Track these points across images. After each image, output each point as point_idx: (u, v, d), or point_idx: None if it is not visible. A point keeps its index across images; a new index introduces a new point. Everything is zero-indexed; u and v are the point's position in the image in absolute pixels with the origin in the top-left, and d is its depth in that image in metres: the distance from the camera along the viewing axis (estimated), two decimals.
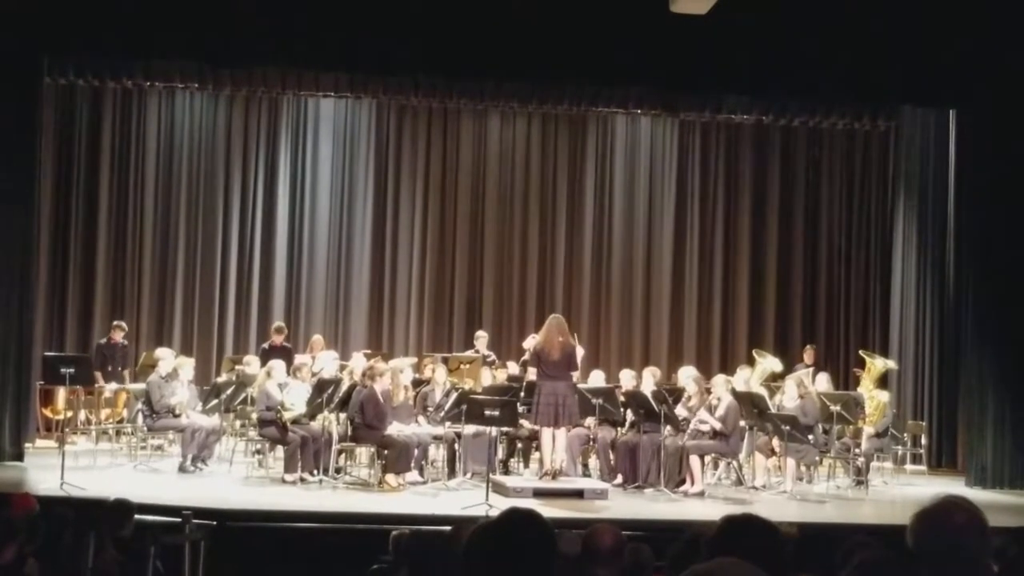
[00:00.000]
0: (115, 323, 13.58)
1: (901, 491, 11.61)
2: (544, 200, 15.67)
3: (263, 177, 15.14)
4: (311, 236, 15.19)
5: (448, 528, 5.70)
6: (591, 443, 11.35)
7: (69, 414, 12.45)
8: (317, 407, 10.55)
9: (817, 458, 11.41)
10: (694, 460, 10.61)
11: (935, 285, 13.87)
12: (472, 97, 13.82)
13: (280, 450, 10.90)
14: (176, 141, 14.90)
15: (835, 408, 11.24)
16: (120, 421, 12.58)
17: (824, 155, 15.76)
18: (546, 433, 10.36)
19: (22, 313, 11.46)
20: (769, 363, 12.92)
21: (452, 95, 13.78)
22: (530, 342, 11.05)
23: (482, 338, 13.61)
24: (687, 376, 11.52)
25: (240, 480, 10.74)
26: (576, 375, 10.81)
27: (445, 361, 12.40)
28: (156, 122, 14.87)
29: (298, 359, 12.03)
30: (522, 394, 10.91)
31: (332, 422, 10.73)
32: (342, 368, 11.88)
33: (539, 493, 9.85)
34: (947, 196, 13.64)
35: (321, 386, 10.53)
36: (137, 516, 6.31)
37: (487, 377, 12.00)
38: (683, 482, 10.66)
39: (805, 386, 11.55)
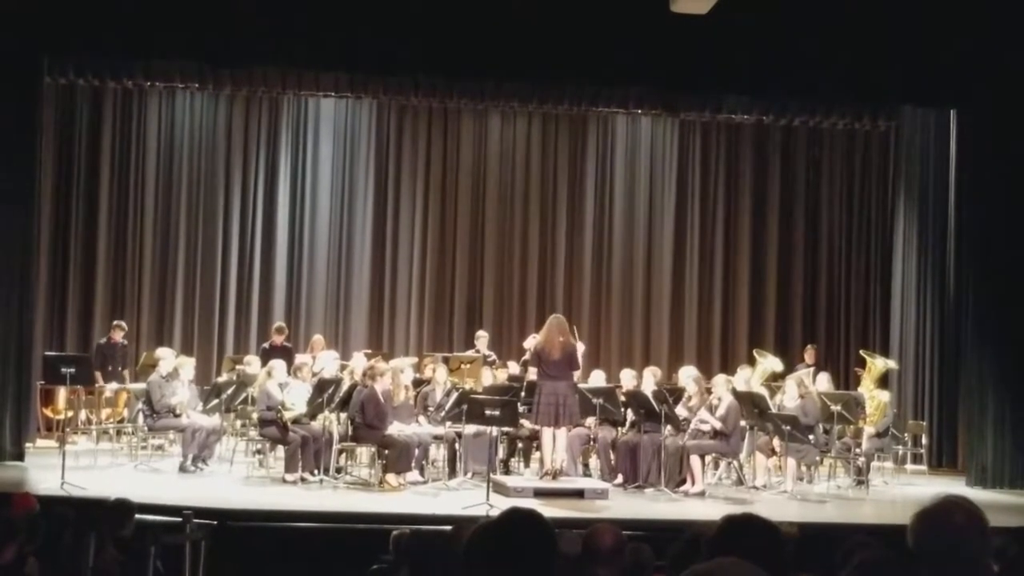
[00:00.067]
0: (115, 323, 13.58)
1: (901, 491, 11.61)
2: (544, 200, 15.67)
3: (263, 177, 15.15)
4: (311, 236, 15.19)
5: (449, 528, 5.71)
6: (592, 443, 11.35)
7: (70, 414, 12.46)
8: (318, 407, 10.56)
9: (818, 458, 11.41)
10: (695, 460, 10.61)
11: (935, 285, 13.87)
12: (472, 97, 13.82)
13: (281, 450, 10.90)
14: (176, 141, 14.90)
15: (835, 408, 11.24)
16: (121, 421, 12.58)
17: (824, 155, 15.77)
18: (547, 433, 10.36)
19: (22, 313, 11.46)
20: (770, 363, 12.92)
21: (452, 95, 13.77)
22: (530, 342, 11.05)
23: (483, 338, 13.61)
24: (687, 376, 11.52)
25: (241, 480, 10.75)
26: (577, 374, 10.81)
27: (446, 361, 12.40)
28: (156, 122, 14.87)
29: (299, 359, 12.03)
30: (523, 394, 10.92)
31: (333, 422, 10.73)
32: (343, 368, 11.88)
33: (540, 493, 9.85)
34: (947, 196, 13.64)
35: (322, 386, 10.53)
36: (137, 516, 6.32)
37: (488, 377, 12.00)
38: (683, 482, 10.66)
39: (805, 386, 11.55)
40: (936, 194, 13.92)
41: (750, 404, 10.99)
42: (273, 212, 15.12)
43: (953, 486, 11.19)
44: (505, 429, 10.65)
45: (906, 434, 12.89)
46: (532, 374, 10.97)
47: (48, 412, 12.86)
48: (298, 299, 15.14)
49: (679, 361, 14.16)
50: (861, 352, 13.70)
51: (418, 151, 15.45)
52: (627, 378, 11.67)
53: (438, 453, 11.33)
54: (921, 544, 2.78)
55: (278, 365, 11.04)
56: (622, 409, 11.19)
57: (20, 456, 11.18)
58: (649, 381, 11.23)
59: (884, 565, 3.64)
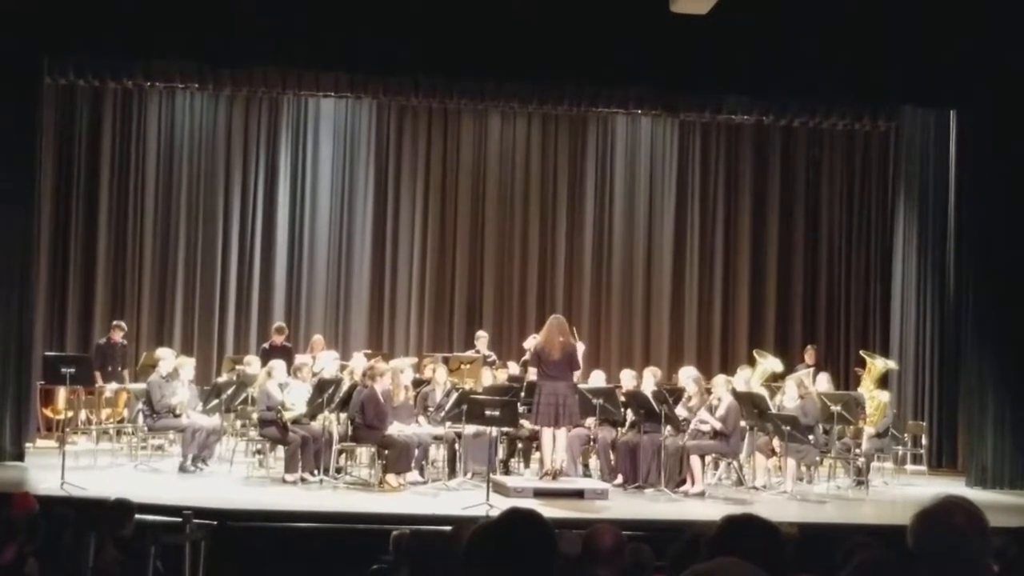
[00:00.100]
0: (114, 323, 13.58)
1: (901, 491, 11.61)
2: (544, 200, 15.68)
3: (263, 177, 15.15)
4: (311, 236, 15.20)
5: (448, 528, 5.70)
6: (591, 443, 11.35)
7: (70, 414, 12.46)
8: (318, 407, 10.56)
9: (817, 458, 11.41)
10: (694, 460, 10.61)
11: (935, 285, 13.87)
12: (472, 97, 13.82)
13: (281, 450, 10.90)
14: (176, 141, 14.91)
15: (835, 408, 11.24)
16: (121, 421, 12.58)
17: (824, 155, 15.77)
18: (546, 433, 10.36)
19: (22, 313, 11.46)
20: (769, 363, 12.92)
21: (452, 95, 13.77)
22: (530, 342, 11.05)
23: (482, 338, 13.62)
24: (687, 376, 11.52)
25: (241, 480, 10.74)
26: (578, 374, 10.81)
27: (445, 361, 12.40)
28: (156, 122, 14.88)
29: (299, 359, 12.03)
30: (522, 394, 10.92)
31: (332, 422, 10.73)
32: (342, 368, 11.88)
33: (539, 493, 9.84)
34: (947, 196, 13.64)
35: (322, 386, 10.53)
36: (137, 516, 6.32)
37: (487, 377, 12.00)
38: (683, 482, 10.66)
39: (805, 386, 11.55)
40: (936, 194, 13.92)
41: (750, 404, 10.99)
42: (273, 212, 15.12)
43: (953, 486, 11.19)
44: (505, 429, 10.65)
45: (906, 434, 12.89)
46: (532, 374, 10.96)
47: (48, 412, 12.86)
48: (298, 299, 15.14)
49: (679, 361, 14.16)
50: (861, 352, 13.70)
51: (418, 151, 15.46)
52: (627, 378, 11.67)
53: (438, 453, 11.32)
54: (921, 544, 2.78)
55: (278, 365, 11.04)
56: (622, 409, 11.19)
57: (20, 456, 11.18)
58: (649, 381, 11.22)
59: (884, 565, 3.64)
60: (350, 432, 10.74)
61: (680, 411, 11.00)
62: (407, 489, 10.29)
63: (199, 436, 10.99)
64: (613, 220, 15.74)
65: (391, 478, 10.28)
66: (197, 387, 11.73)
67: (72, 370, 10.01)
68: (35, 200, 11.75)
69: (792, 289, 15.78)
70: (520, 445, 11.58)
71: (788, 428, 10.46)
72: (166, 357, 11.63)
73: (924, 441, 13.19)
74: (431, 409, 11.20)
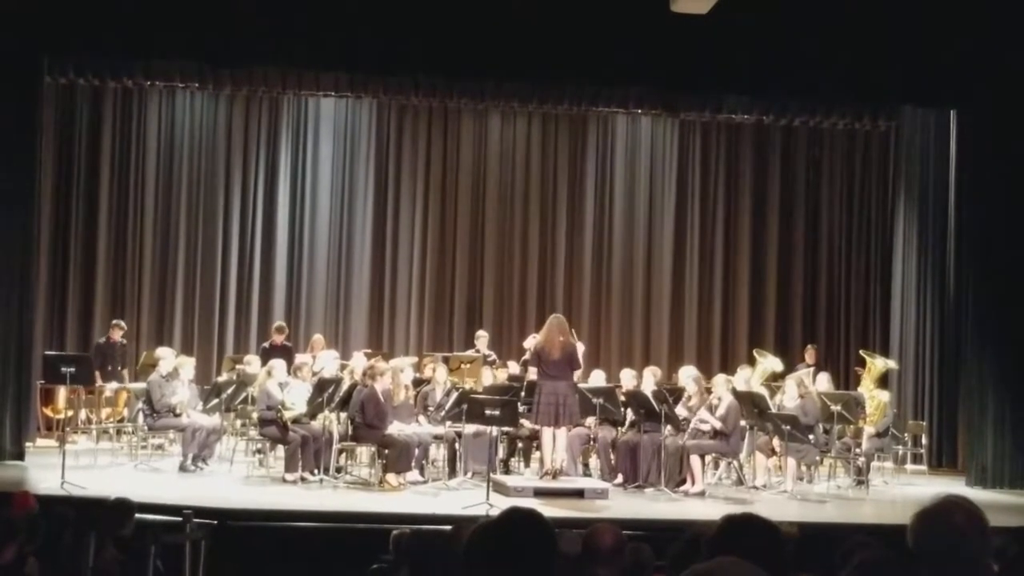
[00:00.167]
0: (114, 322, 13.57)
1: (901, 491, 11.61)
2: (544, 200, 15.68)
3: (263, 177, 15.15)
4: (312, 235, 15.20)
5: (449, 528, 5.71)
6: (591, 443, 11.35)
7: (70, 413, 12.46)
8: (318, 406, 10.55)
9: (817, 458, 11.41)
10: (694, 460, 10.62)
11: (935, 285, 13.87)
12: (472, 97, 13.82)
13: (281, 449, 10.90)
14: (176, 141, 14.91)
15: (835, 408, 11.24)
16: (121, 420, 12.58)
17: (824, 155, 15.77)
18: (546, 433, 10.36)
19: (22, 313, 11.46)
20: (770, 363, 12.92)
21: (452, 95, 13.77)
22: (531, 342, 11.05)
23: (483, 338, 13.62)
24: (687, 376, 11.52)
25: (241, 479, 10.75)
26: (578, 374, 10.82)
27: (446, 360, 12.40)
28: (156, 122, 14.88)
29: (299, 358, 12.03)
30: (522, 394, 10.92)
31: (333, 421, 10.73)
32: (343, 367, 11.88)
33: (540, 493, 9.85)
34: (947, 196, 13.64)
35: (322, 385, 10.53)
36: (138, 515, 6.31)
37: (488, 377, 12.01)
38: (683, 482, 10.66)
39: (805, 386, 11.55)
40: (936, 194, 13.92)
41: (750, 404, 10.99)
42: (273, 212, 15.12)
43: (953, 486, 11.19)
44: (505, 429, 10.65)
45: (906, 434, 12.90)
46: (532, 374, 10.96)
47: (48, 411, 12.86)
48: (298, 299, 15.14)
49: (679, 361, 14.16)
50: (861, 352, 13.70)
51: (418, 151, 15.46)
52: (627, 378, 11.67)
53: (438, 453, 11.33)
54: (921, 544, 2.78)
55: (278, 365, 11.04)
56: (622, 409, 11.19)
57: (20, 455, 11.19)
58: (649, 381, 11.23)
59: (884, 565, 3.64)
60: (350, 431, 10.74)
61: (680, 411, 11.01)
62: (407, 488, 10.29)
63: (199, 435, 10.99)
64: (613, 220, 15.74)
65: (391, 477, 10.28)
66: (197, 386, 11.73)
67: (72, 369, 10.01)
68: (35, 200, 11.74)
69: (792, 289, 15.79)
70: (520, 445, 11.58)
71: (788, 428, 10.46)
72: (166, 356, 11.63)
73: (924, 441, 13.19)
74: (431, 409, 11.21)
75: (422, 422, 11.12)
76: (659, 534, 6.66)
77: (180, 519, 6.14)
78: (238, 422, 12.12)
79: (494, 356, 13.36)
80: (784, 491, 10.76)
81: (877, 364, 12.84)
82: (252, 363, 12.04)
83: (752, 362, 13.02)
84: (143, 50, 12.00)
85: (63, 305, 14.42)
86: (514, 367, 12.70)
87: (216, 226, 14.95)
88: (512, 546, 2.69)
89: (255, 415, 11.13)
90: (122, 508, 6.20)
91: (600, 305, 15.66)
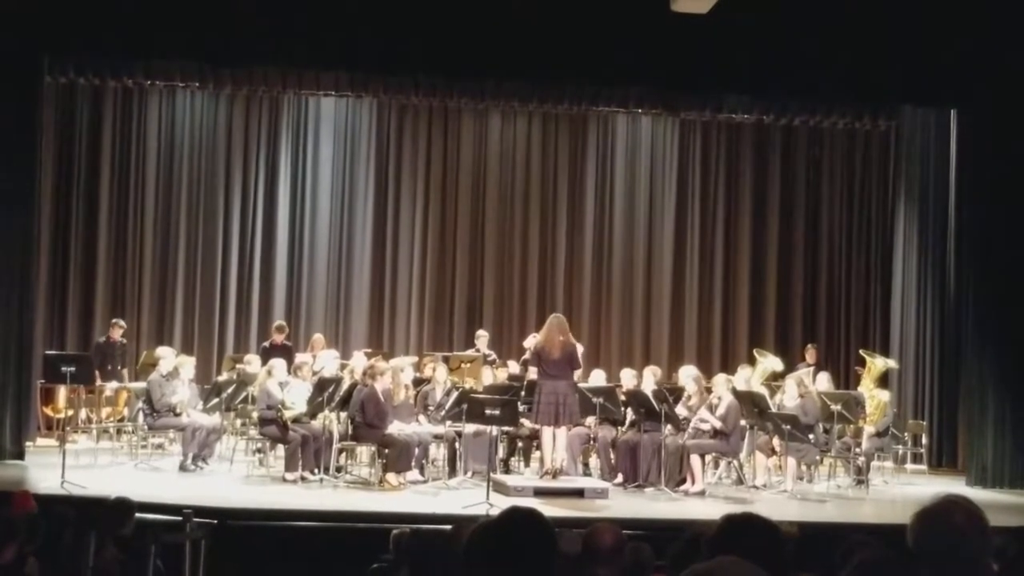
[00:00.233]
0: (113, 320, 13.56)
1: (901, 490, 11.61)
2: (545, 199, 15.68)
3: (264, 176, 15.15)
4: (312, 235, 15.20)
5: (449, 527, 5.71)
6: (592, 442, 11.35)
7: (70, 413, 12.46)
8: (318, 406, 10.55)
9: (818, 457, 11.41)
10: (695, 459, 10.62)
11: (936, 284, 13.87)
12: (473, 96, 13.81)
13: (281, 449, 10.91)
14: (177, 140, 14.91)
15: (836, 407, 11.24)
16: (121, 420, 12.59)
17: (824, 155, 15.77)
18: (547, 432, 10.36)
19: (22, 312, 11.46)
20: (770, 362, 12.93)
21: (453, 94, 13.77)
22: (531, 341, 11.05)
23: (483, 337, 13.62)
24: (687, 375, 11.52)
25: (241, 479, 10.75)
26: (578, 373, 10.82)
27: (446, 360, 12.40)
28: (157, 121, 14.88)
29: (299, 358, 12.04)
30: (523, 393, 10.92)
31: (333, 421, 10.73)
32: (343, 367, 11.88)
33: (540, 492, 9.85)
34: (947, 196, 13.64)
35: (322, 385, 10.53)
36: (138, 515, 6.32)
37: (488, 376, 12.01)
38: (684, 481, 10.66)
39: (805, 385, 11.56)
40: (936, 194, 13.92)
41: (750, 403, 10.99)
42: (273, 211, 15.12)
43: (953, 486, 11.19)
44: (505, 428, 10.66)
45: (906, 434, 12.90)
46: (532, 373, 10.96)
47: (48, 411, 12.86)
48: (298, 298, 15.14)
49: (679, 360, 14.15)
50: (861, 352, 13.70)
51: (418, 150, 15.46)
52: (627, 377, 11.68)
53: (438, 452, 11.32)
54: (921, 544, 2.78)
55: (278, 364, 11.04)
56: (622, 408, 11.19)
57: (20, 455, 11.19)
58: (649, 380, 11.23)
59: (884, 565, 3.64)
60: (350, 431, 10.74)
61: (680, 410, 11.01)
62: (407, 488, 10.29)
63: (199, 435, 10.99)
64: (613, 219, 15.74)
65: (391, 477, 10.29)
66: (197, 386, 11.74)
67: (72, 369, 10.01)
68: (35, 199, 11.74)
69: (792, 288, 15.79)
70: (520, 444, 11.58)
71: (788, 427, 10.46)
72: (166, 356, 11.63)
73: (924, 440, 13.19)
74: (431, 408, 11.21)
75: (422, 422, 11.12)
76: (659, 534, 6.67)
77: (180, 519, 6.13)
78: (238, 421, 12.12)
79: (494, 356, 13.36)
80: (784, 491, 10.76)
81: (877, 364, 12.84)
82: (252, 362, 12.05)
83: (752, 362, 13.02)
84: (143, 50, 12.00)
85: (63, 305, 14.42)
86: (514, 367, 12.71)
87: (216, 225, 14.95)
88: (512, 546, 2.69)
89: (255, 414, 11.14)
90: (122, 508, 6.20)
91: (600, 304, 15.65)
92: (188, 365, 11.64)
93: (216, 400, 11.18)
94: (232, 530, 7.91)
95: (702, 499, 10.35)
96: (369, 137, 15.39)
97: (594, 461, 11.59)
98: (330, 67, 12.80)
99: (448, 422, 10.71)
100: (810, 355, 14.12)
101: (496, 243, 15.52)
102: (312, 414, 10.69)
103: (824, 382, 12.19)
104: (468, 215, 15.50)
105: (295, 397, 10.69)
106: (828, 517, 9.71)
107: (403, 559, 5.25)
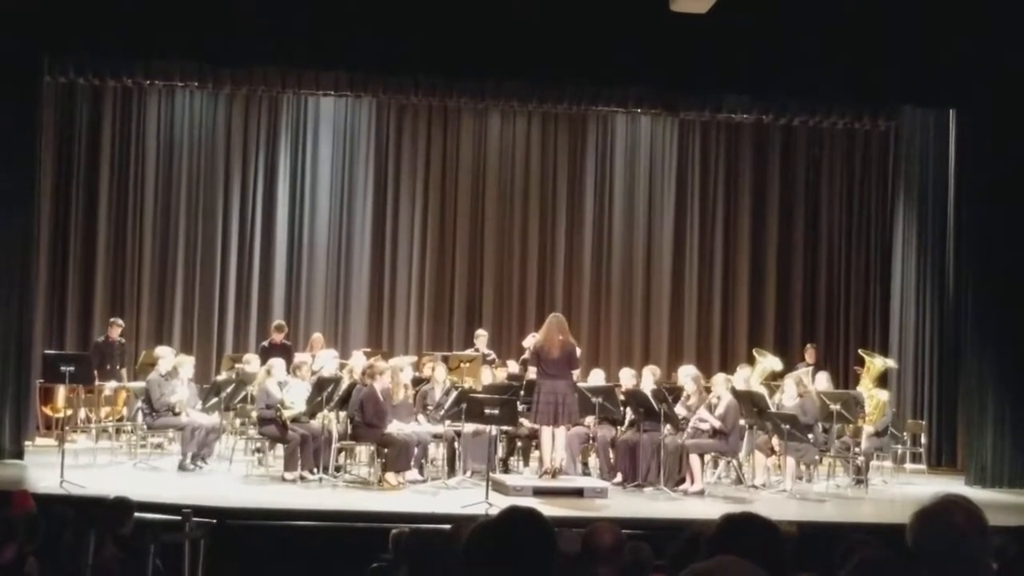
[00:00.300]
0: (112, 320, 13.55)
1: (901, 490, 11.62)
2: (544, 199, 15.68)
3: (263, 176, 15.15)
4: (311, 234, 15.20)
5: (448, 527, 5.71)
6: (591, 442, 11.35)
7: (69, 412, 12.45)
8: (317, 405, 10.55)
9: (817, 457, 11.41)
10: (694, 459, 10.62)
11: (935, 284, 13.87)
12: (472, 96, 13.81)
13: (280, 448, 10.91)
14: (176, 140, 14.91)
15: (835, 407, 11.25)
16: (120, 419, 12.59)
17: (824, 154, 15.78)
18: (546, 432, 10.37)
19: (22, 312, 11.46)
20: (769, 362, 12.93)
21: (452, 94, 13.77)
22: (530, 341, 11.06)
23: (482, 337, 13.63)
24: (687, 375, 11.52)
25: (240, 478, 10.74)
26: (576, 373, 10.82)
27: (445, 360, 12.40)
28: (156, 121, 14.88)
29: (298, 357, 12.04)
30: (522, 393, 10.92)
31: (332, 420, 10.73)
32: (342, 366, 11.88)
33: (539, 492, 9.85)
34: (947, 196, 13.64)
35: (321, 384, 10.53)
36: (137, 514, 6.31)
37: (487, 376, 12.01)
38: (683, 481, 10.66)
39: (804, 385, 11.56)
40: (936, 194, 13.92)
41: (749, 403, 10.99)
42: (273, 211, 15.12)
43: (952, 485, 11.18)
44: (504, 428, 10.66)
45: (905, 433, 12.90)
46: (531, 373, 10.96)
47: (47, 410, 12.86)
48: (297, 297, 15.14)
49: (678, 360, 14.16)
50: (860, 351, 13.70)
51: (418, 150, 15.46)
52: (626, 377, 11.67)
53: (437, 452, 11.32)
54: (920, 543, 2.78)
55: (277, 363, 11.04)
56: (621, 408, 11.19)
57: (19, 454, 11.19)
58: (648, 380, 11.23)
59: (883, 564, 3.64)
60: (349, 430, 10.74)
61: (679, 410, 11.01)
62: (406, 487, 10.29)
63: (198, 434, 10.99)
64: (613, 219, 15.74)
65: (390, 476, 10.29)
66: (196, 385, 11.74)
67: (72, 368, 10.01)
68: (35, 199, 11.74)
69: (792, 288, 15.79)
70: (519, 443, 11.59)
71: (787, 427, 10.46)
72: (165, 355, 11.63)
73: (923, 440, 13.19)
74: (430, 408, 11.21)
75: (421, 421, 11.12)
76: (658, 533, 6.67)
77: (179, 518, 6.14)
78: (237, 421, 12.12)
79: (493, 355, 13.36)
80: (783, 490, 10.76)
81: (876, 363, 12.85)
82: (251, 362, 12.05)
83: (751, 361, 13.02)
84: (143, 50, 12.00)
85: (63, 304, 14.42)
86: (513, 366, 12.71)
87: (216, 225, 14.95)
88: (511, 545, 2.69)
89: (254, 414, 11.13)
90: (121, 507, 6.20)
91: (599, 304, 15.66)
92: (187, 364, 11.65)
93: (215, 399, 11.18)
94: (231, 529, 7.92)
95: (701, 498, 10.36)
96: (368, 137, 15.40)
97: (593, 461, 11.59)
98: (330, 67, 12.80)
99: (447, 422, 10.71)
100: (809, 355, 14.13)
101: (495, 242, 15.52)
102: (311, 413, 10.69)
103: (823, 382, 12.19)
104: (467, 215, 15.50)
105: (294, 396, 10.69)
106: (827, 517, 9.71)
107: (402, 558, 5.25)
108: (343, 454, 11.05)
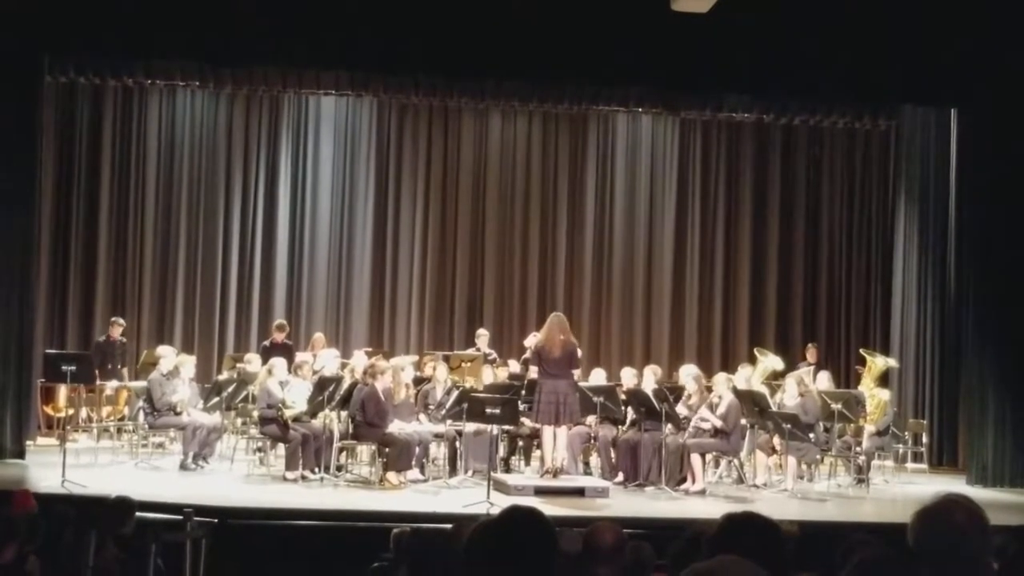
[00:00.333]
0: (113, 319, 13.56)
1: (902, 489, 11.62)
2: (545, 199, 15.68)
3: (264, 175, 15.16)
4: (312, 234, 15.20)
5: (449, 526, 5.70)
6: (592, 441, 11.35)
7: (70, 412, 12.45)
8: (318, 405, 10.56)
9: (818, 456, 11.41)
10: (695, 458, 10.62)
11: (936, 284, 13.87)
12: (473, 96, 13.82)
13: (281, 448, 10.91)
14: (177, 139, 14.91)
15: (836, 406, 11.25)
16: (121, 419, 12.60)
17: (825, 154, 15.77)
18: (547, 431, 10.37)
19: (23, 312, 11.46)
20: (770, 361, 12.93)
21: (453, 94, 13.78)
22: (531, 340, 11.05)
23: (483, 336, 13.63)
24: (688, 374, 11.52)
25: (241, 478, 10.75)
26: (577, 373, 10.82)
27: (446, 359, 12.40)
28: (157, 120, 14.88)
29: (299, 357, 12.04)
30: (523, 392, 10.93)
31: (333, 420, 10.74)
32: (343, 366, 11.89)
33: (540, 491, 9.85)
34: (948, 195, 13.64)
35: (322, 384, 10.53)
36: (138, 514, 6.32)
37: (488, 375, 12.02)
38: (684, 480, 10.66)
39: (806, 384, 11.56)
40: (936, 193, 13.92)
41: (750, 402, 10.99)
42: (274, 210, 15.13)
43: (953, 485, 11.19)
44: (506, 427, 10.66)
45: (906, 432, 12.90)
46: (533, 372, 10.97)
47: (49, 410, 12.86)
48: (299, 297, 15.14)
49: (680, 359, 14.15)
50: (861, 351, 13.70)
51: (419, 150, 15.46)
52: (628, 376, 11.68)
53: (439, 451, 11.32)
54: (921, 543, 2.78)
55: (279, 363, 11.05)
56: (623, 407, 11.19)
57: (21, 454, 11.19)
58: (649, 379, 11.23)
59: (884, 564, 3.64)
60: (351, 430, 10.74)
61: (681, 409, 11.01)
62: (408, 487, 10.29)
63: (200, 434, 10.99)
64: (614, 218, 15.74)
65: (392, 476, 10.29)
66: (198, 385, 11.74)
67: (73, 368, 10.02)
68: (35, 199, 11.74)
69: (793, 287, 15.79)
70: (521, 443, 11.58)
71: (789, 426, 10.47)
72: (167, 355, 11.64)
73: (925, 439, 13.19)
74: (432, 407, 11.21)
75: (423, 420, 11.12)
76: (660, 532, 6.68)
77: (181, 517, 6.14)
78: (239, 420, 12.13)
79: (495, 355, 13.37)
80: (784, 490, 10.76)
81: (877, 363, 12.85)
82: (253, 361, 12.05)
83: (753, 360, 13.03)
84: (143, 49, 12.00)
85: (63, 304, 14.42)
86: (515, 366, 12.71)
87: (217, 225, 14.96)
88: (513, 544, 2.70)
89: (256, 413, 11.14)
90: (123, 506, 6.20)
91: (601, 303, 15.66)
92: (188, 364, 11.64)
93: (216, 399, 11.18)
94: (232, 529, 7.92)
95: (702, 498, 10.36)
96: (369, 136, 15.40)
97: (595, 460, 11.59)
98: (330, 67, 12.80)
99: (448, 421, 10.72)
100: (810, 354, 14.13)
101: (496, 242, 15.52)
102: (312, 413, 10.70)
103: (824, 381, 12.20)
104: (468, 214, 15.50)
105: (295, 396, 10.70)
106: (828, 516, 9.72)
107: (403, 558, 5.25)
108: (344, 454, 11.05)
